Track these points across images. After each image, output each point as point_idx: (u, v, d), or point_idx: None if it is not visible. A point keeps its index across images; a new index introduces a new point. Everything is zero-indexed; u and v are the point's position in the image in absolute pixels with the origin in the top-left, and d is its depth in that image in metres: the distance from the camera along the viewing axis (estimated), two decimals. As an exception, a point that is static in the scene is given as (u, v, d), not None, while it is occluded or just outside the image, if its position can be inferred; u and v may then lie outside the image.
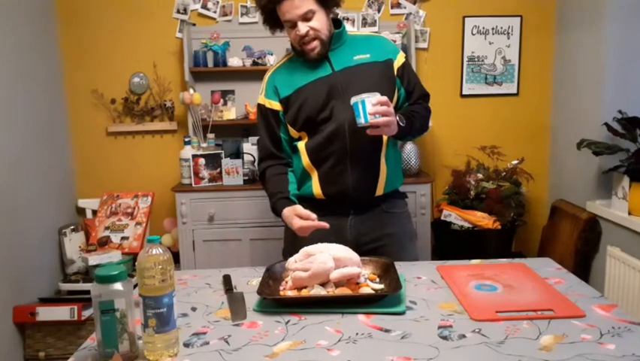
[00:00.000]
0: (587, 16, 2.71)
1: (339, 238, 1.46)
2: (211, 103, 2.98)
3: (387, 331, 1.10)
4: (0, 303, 2.41)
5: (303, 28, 1.55)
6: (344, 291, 1.25)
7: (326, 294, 1.24)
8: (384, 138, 1.64)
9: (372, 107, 1.44)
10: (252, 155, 2.83)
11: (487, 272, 1.42)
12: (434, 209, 2.95)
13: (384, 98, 1.47)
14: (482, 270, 1.44)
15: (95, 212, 2.97)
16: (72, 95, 3.09)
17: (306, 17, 1.54)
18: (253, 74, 2.89)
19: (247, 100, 2.96)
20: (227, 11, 3.03)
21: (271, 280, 1.33)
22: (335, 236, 1.47)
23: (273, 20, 1.63)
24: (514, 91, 3.14)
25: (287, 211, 1.57)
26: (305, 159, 1.64)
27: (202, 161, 2.76)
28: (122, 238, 2.76)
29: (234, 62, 2.93)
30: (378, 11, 3.05)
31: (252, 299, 1.27)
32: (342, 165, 1.61)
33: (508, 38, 3.08)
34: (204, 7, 3.04)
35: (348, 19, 2.99)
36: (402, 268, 1.46)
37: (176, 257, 2.70)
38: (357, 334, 1.09)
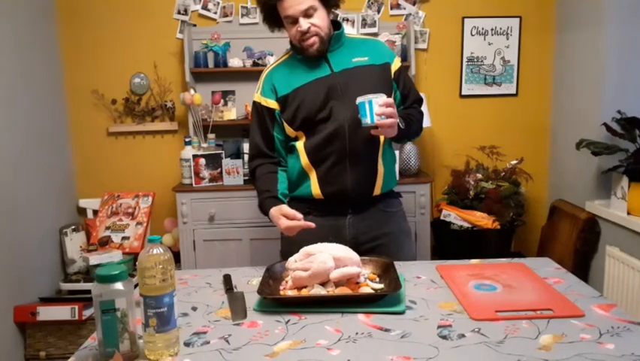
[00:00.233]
0: (587, 17, 2.72)
1: (337, 237, 1.47)
2: (211, 103, 2.98)
3: (387, 330, 1.10)
4: (1, 303, 2.41)
5: (304, 24, 1.55)
6: (344, 291, 1.26)
7: (326, 294, 1.24)
8: (382, 138, 1.65)
9: (379, 108, 1.46)
10: (252, 155, 2.83)
11: (486, 272, 1.43)
12: (434, 209, 2.95)
13: (390, 100, 1.50)
14: (482, 270, 1.45)
15: (95, 212, 2.97)
16: (72, 96, 3.09)
17: (308, 13, 1.55)
18: (253, 74, 2.88)
19: (247, 100, 2.96)
20: (228, 12, 3.04)
21: (271, 280, 1.33)
22: (334, 236, 1.48)
23: (273, 18, 1.63)
24: (514, 91, 3.14)
25: (274, 211, 1.58)
26: (304, 159, 1.65)
27: (202, 161, 2.76)
28: (123, 238, 2.76)
29: (235, 62, 2.94)
30: (378, 12, 3.05)
31: (252, 299, 1.27)
32: (341, 165, 1.62)
33: (508, 39, 3.09)
34: (205, 7, 3.04)
35: (347, 19, 2.99)
36: (401, 267, 1.47)
37: (176, 257, 2.71)
38: (357, 333, 1.09)
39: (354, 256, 1.32)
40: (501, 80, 3.13)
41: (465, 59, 3.11)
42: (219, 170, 2.78)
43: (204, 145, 2.86)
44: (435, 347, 1.03)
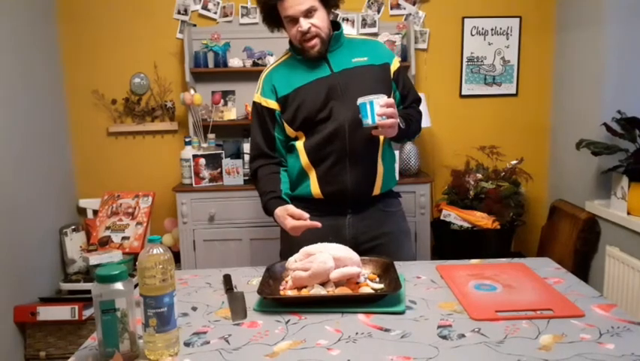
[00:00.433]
0: (587, 17, 2.72)
1: (337, 237, 1.47)
2: (211, 103, 2.98)
3: (387, 330, 1.10)
4: (1, 303, 2.41)
5: (305, 24, 1.55)
6: (344, 291, 1.26)
7: (326, 294, 1.24)
8: (381, 138, 1.65)
9: (380, 109, 1.46)
10: (252, 155, 2.83)
11: (486, 272, 1.43)
12: (434, 209, 2.95)
13: (391, 100, 1.50)
14: (482, 270, 1.45)
15: (95, 212, 2.98)
16: (72, 96, 3.10)
17: (308, 14, 1.55)
18: (253, 74, 2.87)
19: (247, 100, 2.96)
20: (228, 12, 3.04)
21: (271, 280, 1.33)
22: (333, 236, 1.48)
23: (273, 18, 1.64)
24: (514, 91, 3.14)
25: (279, 211, 1.58)
26: (303, 159, 1.65)
27: (202, 161, 2.76)
28: (123, 238, 2.76)
29: (235, 62, 2.94)
30: (378, 12, 3.05)
31: (252, 299, 1.27)
32: (340, 165, 1.62)
33: (508, 39, 3.09)
34: (205, 7, 3.04)
35: (347, 19, 2.99)
36: (401, 267, 1.47)
37: (176, 257, 2.71)
38: (357, 333, 1.09)
39: (354, 256, 1.32)
40: (501, 80, 3.13)
41: (465, 59, 3.11)
42: (219, 170, 2.78)
43: (204, 145, 2.86)
44: (435, 347, 1.03)
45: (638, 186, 2.29)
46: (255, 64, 2.95)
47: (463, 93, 3.15)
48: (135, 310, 1.02)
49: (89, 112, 3.10)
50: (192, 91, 2.87)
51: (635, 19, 2.48)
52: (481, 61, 3.11)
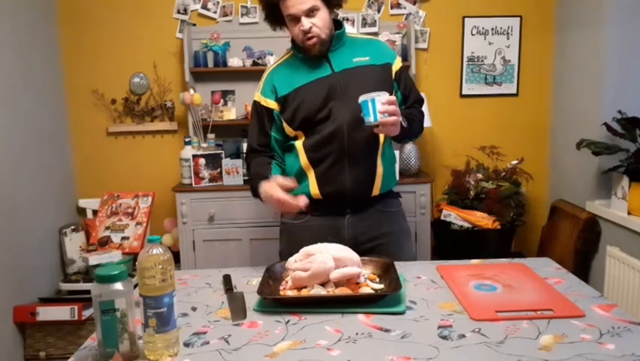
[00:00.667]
0: (587, 16, 2.72)
1: (336, 237, 1.46)
2: (211, 103, 2.98)
3: (387, 331, 1.10)
4: (0, 303, 2.41)
5: (306, 23, 1.55)
6: (344, 291, 1.25)
7: (326, 294, 1.24)
8: (381, 138, 1.65)
9: (382, 106, 1.45)
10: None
11: (486, 272, 1.42)
12: (434, 209, 2.95)
13: (393, 98, 1.49)
14: (482, 270, 1.45)
15: (95, 212, 2.97)
16: (72, 95, 3.09)
17: (310, 13, 1.55)
18: (253, 74, 2.88)
19: (247, 100, 2.96)
20: (228, 11, 3.04)
21: (271, 280, 1.33)
22: (333, 236, 1.48)
23: (275, 16, 1.63)
24: (514, 91, 3.14)
25: (265, 183, 1.53)
26: (303, 158, 1.65)
27: (202, 161, 2.76)
28: (123, 238, 2.76)
29: (234, 62, 2.94)
30: (378, 11, 3.05)
31: (252, 299, 1.27)
32: (339, 165, 1.61)
33: (508, 39, 3.08)
34: (204, 7, 3.04)
35: (348, 19, 2.99)
36: (402, 267, 1.47)
37: (176, 257, 2.71)
38: (357, 334, 1.09)
39: (354, 256, 1.31)
40: (501, 80, 3.13)
41: (465, 59, 3.11)
42: (219, 170, 2.77)
43: (204, 145, 2.86)
44: (435, 347, 1.02)
45: (638, 186, 2.29)
46: (254, 63, 2.95)
47: (464, 93, 3.14)
48: (135, 310, 1.02)
49: (89, 112, 3.10)
50: (192, 91, 2.87)
51: (635, 19, 2.48)
52: (482, 61, 3.11)
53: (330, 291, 1.25)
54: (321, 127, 1.61)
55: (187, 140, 2.87)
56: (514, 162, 2.93)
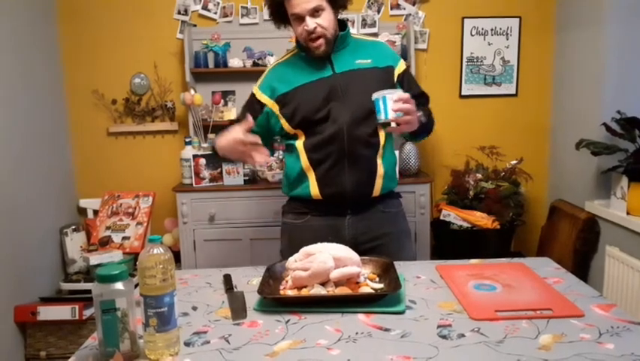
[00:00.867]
0: (587, 16, 2.72)
1: (337, 237, 1.47)
2: (212, 103, 2.99)
3: (386, 330, 1.10)
4: (1, 302, 2.42)
5: (311, 23, 1.56)
6: (344, 290, 1.26)
7: (326, 293, 1.24)
8: (382, 140, 1.65)
9: (394, 104, 1.44)
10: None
11: (486, 272, 1.43)
12: (433, 209, 2.95)
13: (406, 95, 1.47)
14: (481, 270, 1.45)
15: (96, 212, 2.98)
16: (72, 96, 3.10)
17: (315, 13, 1.56)
18: (253, 74, 2.87)
19: (247, 100, 2.97)
20: (228, 12, 3.04)
21: (271, 280, 1.33)
22: (333, 236, 1.48)
23: (280, 15, 1.64)
24: (513, 91, 3.14)
25: (224, 131, 1.53)
26: (303, 159, 1.65)
27: (203, 161, 2.76)
28: (123, 238, 2.76)
29: (235, 62, 2.94)
30: (378, 12, 3.06)
31: (252, 299, 1.27)
32: (339, 166, 1.62)
33: (507, 39, 3.09)
34: (205, 8, 3.04)
35: (347, 20, 2.99)
36: (401, 267, 1.47)
37: (176, 257, 2.71)
38: (357, 333, 1.09)
39: (354, 255, 1.32)
40: (501, 80, 3.13)
41: (465, 59, 3.11)
42: (219, 170, 2.78)
43: (204, 145, 2.87)
44: (435, 346, 1.03)
45: (637, 186, 2.29)
46: (255, 64, 2.95)
47: (463, 93, 3.15)
48: (135, 309, 1.03)
49: (89, 112, 3.10)
50: (192, 91, 2.87)
51: (635, 19, 2.48)
52: (481, 61, 3.11)
53: (330, 291, 1.26)
54: (321, 128, 1.61)
55: (187, 140, 2.88)
56: (514, 162, 2.93)
